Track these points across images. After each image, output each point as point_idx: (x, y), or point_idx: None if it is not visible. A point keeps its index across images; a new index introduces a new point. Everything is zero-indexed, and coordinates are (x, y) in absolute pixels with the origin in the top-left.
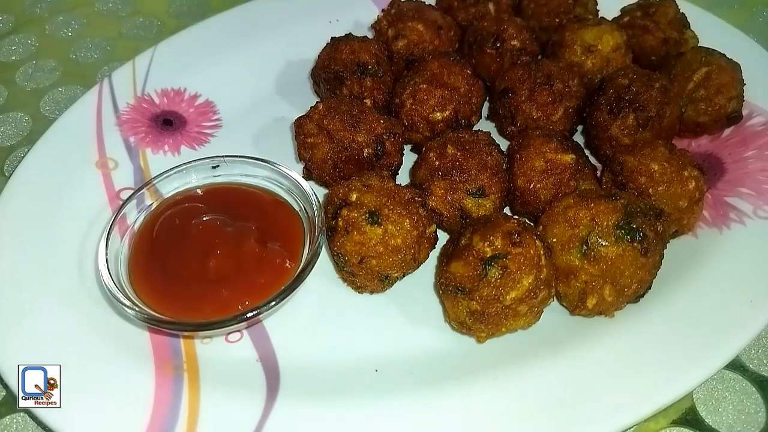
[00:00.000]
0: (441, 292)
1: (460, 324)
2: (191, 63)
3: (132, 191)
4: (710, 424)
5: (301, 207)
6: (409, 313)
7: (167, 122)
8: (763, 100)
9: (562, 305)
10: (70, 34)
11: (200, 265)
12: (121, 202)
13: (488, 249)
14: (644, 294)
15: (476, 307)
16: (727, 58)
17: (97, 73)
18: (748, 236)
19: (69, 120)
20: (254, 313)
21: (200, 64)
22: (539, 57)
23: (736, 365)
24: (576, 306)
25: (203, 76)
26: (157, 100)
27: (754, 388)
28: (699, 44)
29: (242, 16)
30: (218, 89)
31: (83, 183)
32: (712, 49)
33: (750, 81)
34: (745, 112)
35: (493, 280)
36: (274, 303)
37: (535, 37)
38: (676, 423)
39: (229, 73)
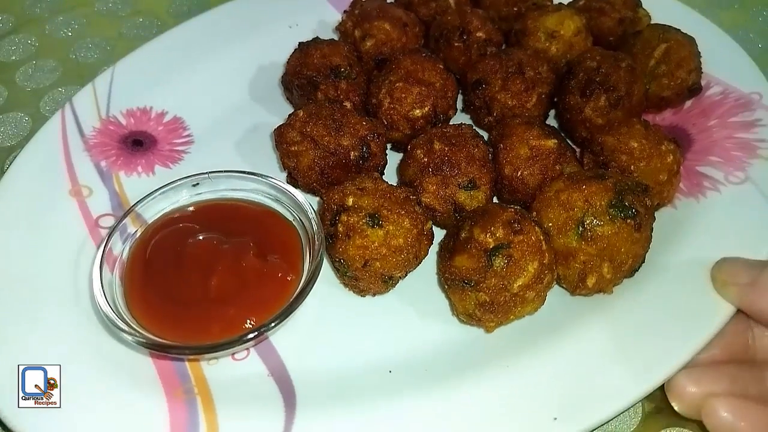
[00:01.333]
0: (447, 287)
1: (469, 316)
2: (153, 80)
3: (111, 216)
4: None
5: (294, 216)
6: (414, 310)
7: (137, 143)
8: (716, 70)
9: (562, 287)
10: (70, 34)
11: (201, 286)
12: (101, 229)
13: (490, 240)
14: (639, 267)
15: (485, 298)
16: (683, 32)
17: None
18: (724, 202)
19: (34, 151)
20: (265, 330)
21: (163, 80)
22: (503, 47)
23: None
24: (576, 286)
25: (167, 92)
26: (123, 121)
27: None
28: (652, 21)
29: (198, 29)
30: (185, 105)
31: (59, 214)
32: (668, 26)
33: (702, 53)
34: (701, 84)
35: (499, 269)
36: (284, 318)
37: (497, 28)
38: (675, 423)
39: (193, 87)
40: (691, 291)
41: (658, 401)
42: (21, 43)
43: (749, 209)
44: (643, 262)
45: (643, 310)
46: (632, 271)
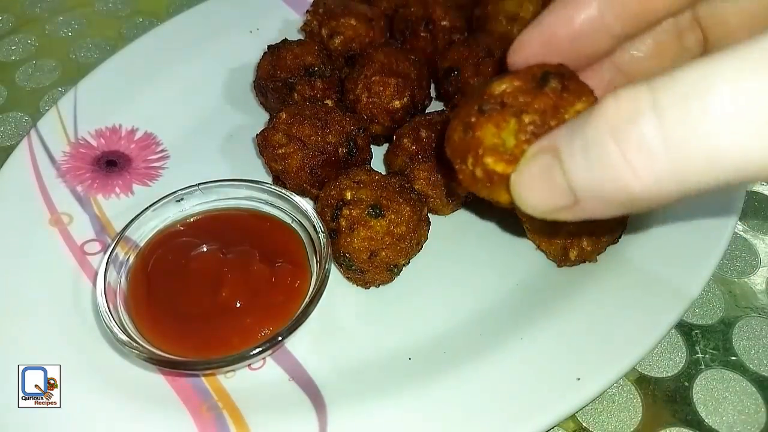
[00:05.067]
0: (474, 119)
1: (497, 158)
2: (119, 97)
3: (96, 242)
4: (710, 424)
5: (293, 218)
6: (421, 295)
7: (111, 163)
8: None
9: (550, 260)
10: (70, 34)
11: (212, 298)
12: (88, 256)
13: (540, 71)
14: (622, 234)
15: (532, 119)
16: None
17: None
18: None
19: (5, 184)
20: (285, 337)
21: (128, 96)
22: (465, 34)
23: (736, 365)
24: (561, 260)
25: (135, 108)
26: (94, 143)
27: (754, 388)
28: None
29: (157, 41)
30: (154, 119)
31: (41, 245)
32: None
33: None
34: None
35: (554, 92)
36: (300, 322)
37: (459, 15)
38: (675, 423)
39: (160, 101)
40: (675, 244)
41: (659, 402)
42: (21, 43)
43: None
44: (625, 227)
45: (627, 276)
46: (616, 238)
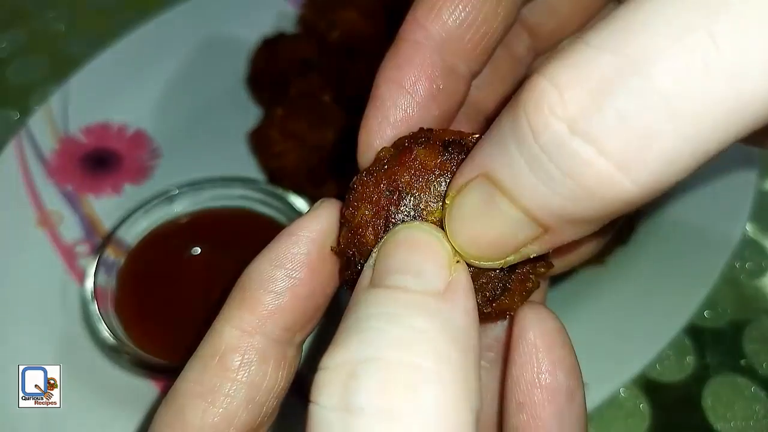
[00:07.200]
0: None
1: None
2: (109, 93)
3: (86, 243)
4: (719, 430)
5: (289, 218)
6: None
7: (101, 161)
8: None
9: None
10: (62, 28)
11: (206, 302)
12: (79, 258)
13: None
14: (630, 235)
15: None
16: None
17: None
18: None
19: None
20: None
21: (119, 92)
22: None
23: (746, 369)
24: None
25: (126, 104)
26: (84, 140)
27: (763, 394)
28: None
29: (149, 35)
30: (146, 116)
31: (29, 246)
32: None
33: None
34: None
35: None
36: None
37: None
38: (684, 429)
39: (152, 96)
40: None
41: (667, 407)
42: (10, 38)
43: None
44: (632, 229)
45: (642, 268)
46: (625, 240)
